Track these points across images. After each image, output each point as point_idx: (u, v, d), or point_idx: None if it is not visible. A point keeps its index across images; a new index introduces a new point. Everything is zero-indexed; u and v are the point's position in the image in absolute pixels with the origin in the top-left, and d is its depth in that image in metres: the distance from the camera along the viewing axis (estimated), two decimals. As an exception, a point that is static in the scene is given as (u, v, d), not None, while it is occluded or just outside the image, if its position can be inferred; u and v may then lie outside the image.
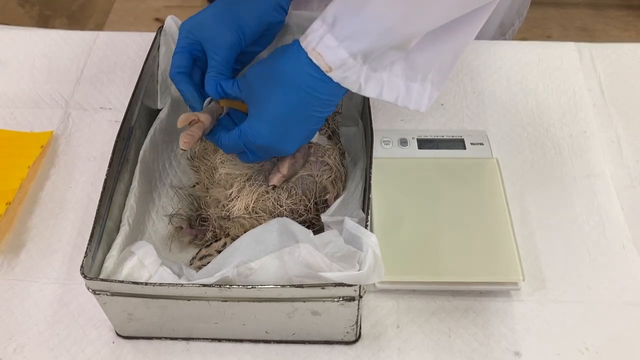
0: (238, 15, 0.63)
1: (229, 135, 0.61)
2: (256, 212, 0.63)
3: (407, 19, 0.52)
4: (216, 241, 0.64)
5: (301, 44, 0.55)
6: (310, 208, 0.64)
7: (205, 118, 0.61)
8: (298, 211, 0.64)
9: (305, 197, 0.64)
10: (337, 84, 0.56)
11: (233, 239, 0.62)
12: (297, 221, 0.60)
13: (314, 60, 0.54)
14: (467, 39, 0.57)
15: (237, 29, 0.63)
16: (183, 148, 0.59)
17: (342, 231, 0.56)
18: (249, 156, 0.62)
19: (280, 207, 0.63)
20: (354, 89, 0.56)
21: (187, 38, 0.65)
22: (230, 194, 0.64)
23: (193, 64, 0.66)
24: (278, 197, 0.63)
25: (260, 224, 0.62)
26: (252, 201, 0.63)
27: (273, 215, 0.63)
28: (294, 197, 0.64)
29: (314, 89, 0.56)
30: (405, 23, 0.52)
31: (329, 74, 0.55)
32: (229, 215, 0.63)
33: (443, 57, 0.57)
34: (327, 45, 0.54)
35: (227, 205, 0.64)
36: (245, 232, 0.61)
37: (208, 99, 0.64)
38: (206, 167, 0.67)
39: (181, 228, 0.67)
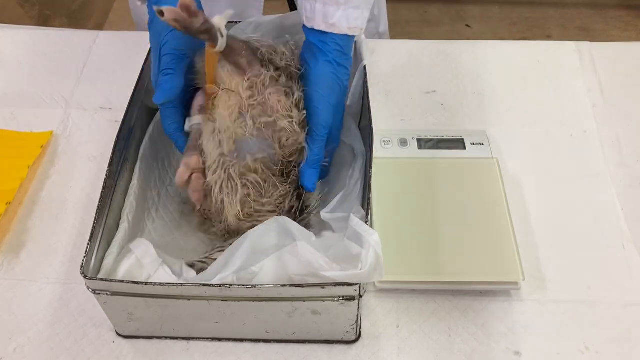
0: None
1: None
2: (250, 215, 0.61)
3: None
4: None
5: None
6: (285, 164, 0.61)
7: (195, 162, 0.60)
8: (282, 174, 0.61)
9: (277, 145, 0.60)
10: None
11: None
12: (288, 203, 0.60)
13: None
14: None
15: None
16: (198, 204, 0.62)
17: (343, 228, 0.56)
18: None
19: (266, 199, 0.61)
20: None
21: (173, 54, 0.60)
22: (216, 203, 0.62)
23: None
24: (260, 196, 0.61)
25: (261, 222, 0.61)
26: (239, 210, 0.61)
27: (268, 209, 0.62)
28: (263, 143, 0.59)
29: None
30: None
31: None
32: (231, 229, 0.62)
33: None
34: None
35: (222, 222, 0.62)
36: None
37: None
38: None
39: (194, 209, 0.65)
